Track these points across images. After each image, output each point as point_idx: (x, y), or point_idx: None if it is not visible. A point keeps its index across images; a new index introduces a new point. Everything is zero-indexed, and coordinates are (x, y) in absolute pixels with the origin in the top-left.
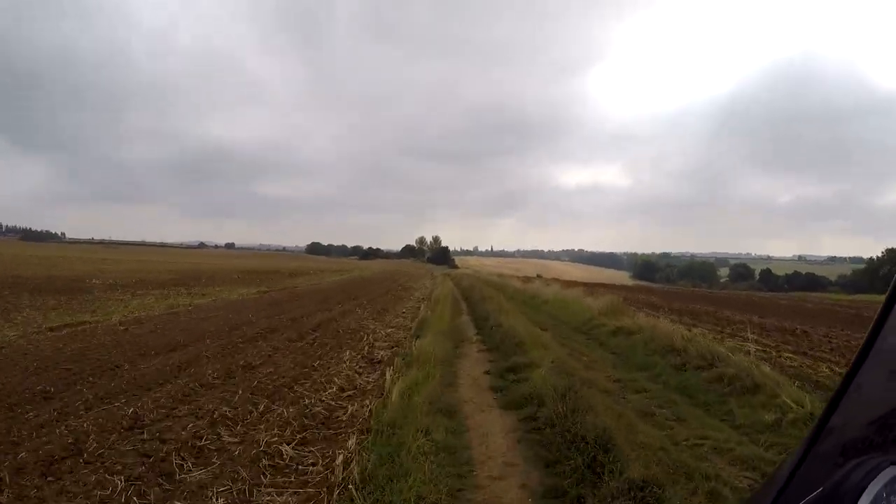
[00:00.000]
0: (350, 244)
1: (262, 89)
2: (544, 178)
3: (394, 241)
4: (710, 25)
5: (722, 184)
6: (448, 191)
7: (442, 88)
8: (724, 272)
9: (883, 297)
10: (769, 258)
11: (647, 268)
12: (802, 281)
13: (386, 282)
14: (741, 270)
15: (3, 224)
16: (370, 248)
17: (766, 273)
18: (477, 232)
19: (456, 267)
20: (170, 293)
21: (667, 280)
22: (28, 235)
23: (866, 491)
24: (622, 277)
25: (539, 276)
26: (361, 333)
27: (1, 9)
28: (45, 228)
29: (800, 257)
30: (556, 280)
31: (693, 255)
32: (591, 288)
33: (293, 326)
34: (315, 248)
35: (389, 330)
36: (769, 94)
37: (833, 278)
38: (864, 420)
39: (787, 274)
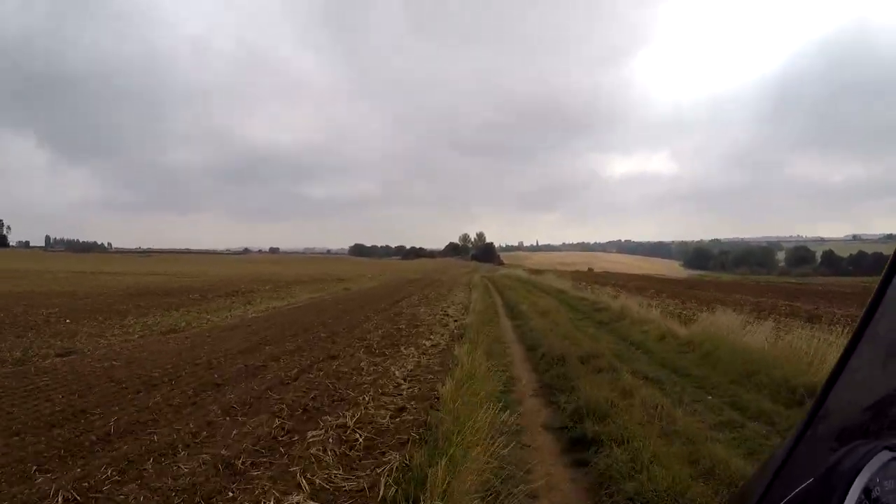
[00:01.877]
0: (394, 244)
1: (303, 88)
2: (589, 170)
3: (438, 239)
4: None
5: (770, 167)
6: (492, 186)
7: (483, 82)
8: (780, 256)
9: None
10: (822, 240)
11: (699, 256)
12: (869, 262)
13: (381, 304)
14: (802, 254)
15: (52, 236)
16: (412, 247)
17: (829, 255)
18: (522, 226)
19: (502, 264)
20: None
21: (721, 268)
22: (73, 247)
23: (859, 475)
24: (674, 267)
25: (590, 269)
26: None
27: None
28: (92, 239)
29: (854, 237)
30: (609, 273)
31: (744, 241)
32: (682, 288)
33: None
34: (358, 250)
35: None
36: (819, 71)
37: None
38: (858, 405)
39: (851, 255)
